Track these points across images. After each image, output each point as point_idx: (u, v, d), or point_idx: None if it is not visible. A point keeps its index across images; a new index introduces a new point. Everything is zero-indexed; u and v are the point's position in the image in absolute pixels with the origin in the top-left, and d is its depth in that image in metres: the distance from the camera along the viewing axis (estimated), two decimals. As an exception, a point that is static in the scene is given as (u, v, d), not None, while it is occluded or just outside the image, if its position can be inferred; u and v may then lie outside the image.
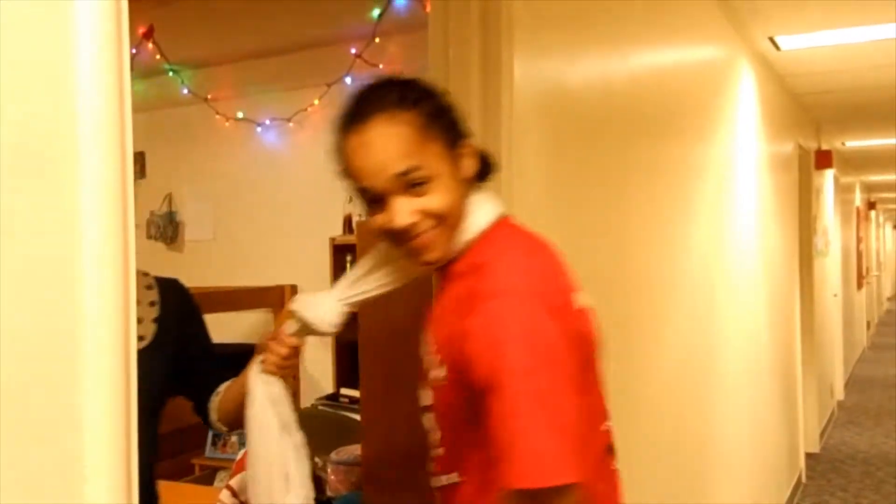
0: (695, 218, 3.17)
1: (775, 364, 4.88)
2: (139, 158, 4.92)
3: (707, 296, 3.32)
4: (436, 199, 1.15)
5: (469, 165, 1.21)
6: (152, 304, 1.52)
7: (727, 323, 3.66)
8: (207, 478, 3.51)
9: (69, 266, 0.76)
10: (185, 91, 4.49)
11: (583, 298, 1.24)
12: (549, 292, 1.15)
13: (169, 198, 4.84)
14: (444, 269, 1.23)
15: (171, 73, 4.44)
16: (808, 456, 5.95)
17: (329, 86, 4.08)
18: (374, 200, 1.17)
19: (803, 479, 5.60)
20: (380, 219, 1.18)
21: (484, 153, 1.28)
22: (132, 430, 0.81)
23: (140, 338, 1.40)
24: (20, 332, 0.71)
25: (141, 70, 4.32)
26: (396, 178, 1.13)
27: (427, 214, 1.15)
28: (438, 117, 1.18)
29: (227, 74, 4.51)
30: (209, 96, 4.51)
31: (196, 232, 4.77)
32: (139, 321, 1.30)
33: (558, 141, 1.94)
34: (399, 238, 1.18)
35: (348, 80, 4.02)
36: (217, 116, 4.51)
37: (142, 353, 1.24)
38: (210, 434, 3.78)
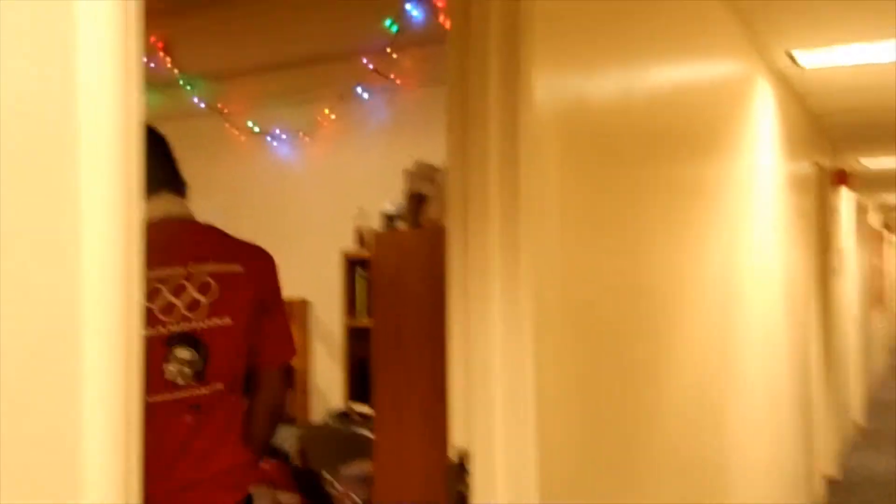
0: (712, 235, 3.12)
1: (793, 386, 4.80)
2: (152, 170, 4.91)
3: (724, 315, 3.26)
4: None
5: None
6: None
7: (744, 343, 3.60)
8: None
9: (71, 271, 0.74)
10: (199, 103, 4.48)
11: None
12: None
13: (181, 210, 4.82)
14: None
15: (185, 85, 4.43)
16: (828, 480, 5.85)
17: (343, 98, 4.06)
18: None
19: (820, 504, 5.51)
20: None
21: None
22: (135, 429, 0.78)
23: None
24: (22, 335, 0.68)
25: (155, 81, 4.31)
26: None
27: None
28: None
29: (241, 87, 4.50)
30: (223, 109, 4.50)
31: (208, 245, 4.75)
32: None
33: (576, 157, 1.90)
34: None
35: (362, 92, 4.00)
36: (230, 129, 4.50)
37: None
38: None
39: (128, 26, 0.78)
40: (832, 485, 5.91)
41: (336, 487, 2.22)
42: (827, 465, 6.01)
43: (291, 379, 2.28)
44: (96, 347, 0.75)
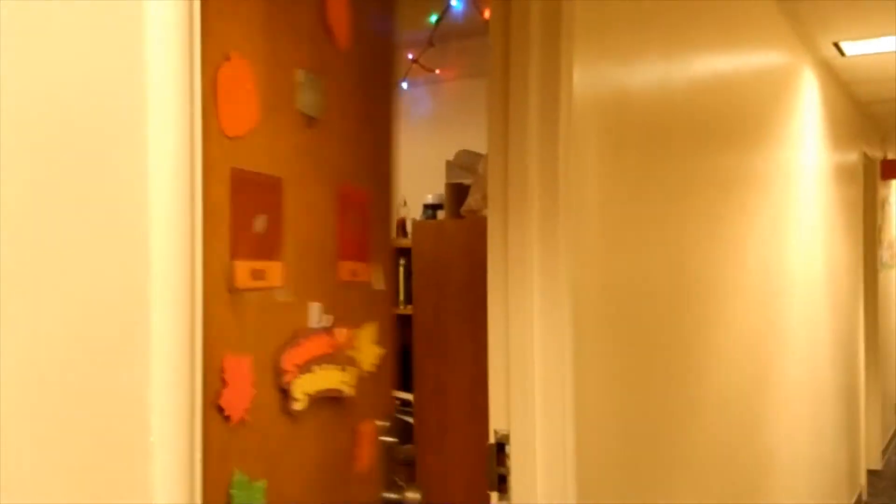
0: (755, 227, 3.10)
1: (837, 379, 4.74)
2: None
3: (764, 307, 3.24)
4: None
5: None
6: None
7: (787, 334, 3.57)
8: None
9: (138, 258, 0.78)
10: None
11: None
12: None
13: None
14: None
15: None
16: (870, 473, 5.77)
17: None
18: None
19: (864, 497, 5.44)
20: None
21: None
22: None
23: None
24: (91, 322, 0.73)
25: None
26: None
27: None
28: None
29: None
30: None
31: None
32: None
33: (616, 147, 1.92)
34: None
35: (405, 85, 4.04)
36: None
37: None
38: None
39: (191, 19, 0.84)
40: (875, 478, 5.84)
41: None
42: (871, 458, 5.93)
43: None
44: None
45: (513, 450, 1.56)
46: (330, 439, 1.37)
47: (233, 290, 1.11)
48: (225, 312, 1.10)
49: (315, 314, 1.32)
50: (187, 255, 0.86)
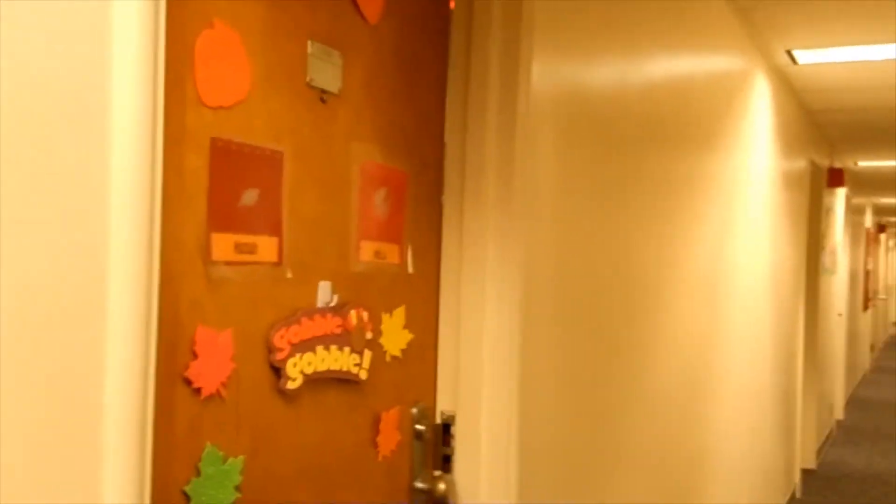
0: (703, 227, 3.18)
1: (776, 379, 4.89)
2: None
3: (709, 306, 3.33)
4: None
5: None
6: None
7: (730, 333, 3.67)
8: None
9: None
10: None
11: None
12: None
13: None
14: None
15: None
16: (805, 472, 5.96)
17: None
18: None
19: (797, 495, 5.61)
20: None
21: None
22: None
23: None
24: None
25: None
26: None
27: None
28: None
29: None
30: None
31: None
32: None
33: (571, 143, 1.97)
34: None
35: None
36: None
37: None
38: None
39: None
40: (809, 477, 6.03)
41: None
42: (805, 458, 6.12)
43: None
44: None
45: (458, 430, 1.60)
46: (339, 423, 1.34)
47: (208, 262, 1.09)
48: (199, 284, 1.08)
49: (324, 293, 1.29)
50: (145, 223, 0.87)
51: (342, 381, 1.35)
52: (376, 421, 1.43)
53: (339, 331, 1.32)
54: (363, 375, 1.38)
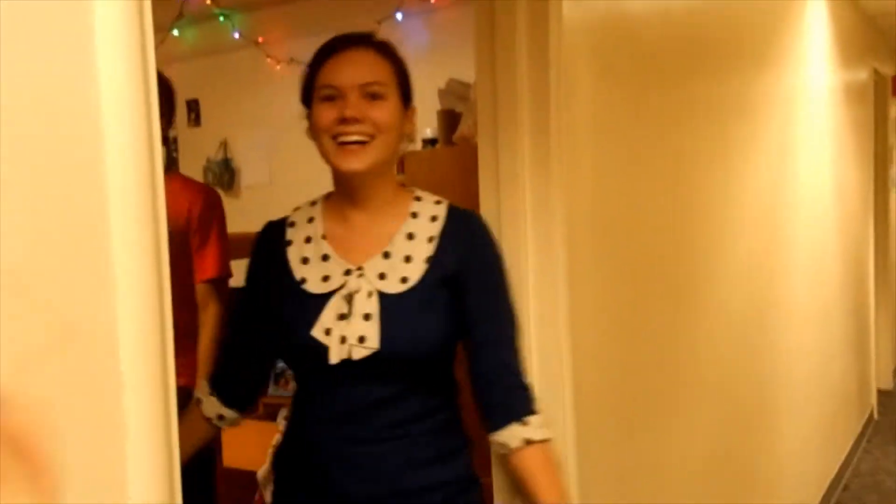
0: (759, 150, 3.04)
1: (847, 298, 4.72)
2: (194, 106, 4.95)
3: (770, 231, 3.20)
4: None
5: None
6: (430, 239, 1.36)
7: (793, 257, 3.54)
8: (271, 416, 3.59)
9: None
10: (236, 35, 4.47)
11: None
12: None
13: (224, 144, 4.87)
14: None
15: (221, 18, 4.42)
16: (881, 392, 5.80)
17: (380, 23, 4.01)
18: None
19: (875, 416, 5.47)
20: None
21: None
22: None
23: (403, 280, 1.32)
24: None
25: (192, 16, 4.31)
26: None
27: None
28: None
29: (277, 17, 4.47)
30: (259, 40, 4.48)
31: (252, 177, 4.80)
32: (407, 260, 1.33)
33: (609, 71, 1.86)
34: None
35: (399, 16, 3.94)
36: (268, 60, 4.49)
37: (400, 297, 1.29)
38: (272, 373, 3.85)
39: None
40: (886, 397, 5.86)
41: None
42: (882, 378, 5.95)
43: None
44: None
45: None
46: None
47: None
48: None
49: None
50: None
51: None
52: None
53: None
54: None
